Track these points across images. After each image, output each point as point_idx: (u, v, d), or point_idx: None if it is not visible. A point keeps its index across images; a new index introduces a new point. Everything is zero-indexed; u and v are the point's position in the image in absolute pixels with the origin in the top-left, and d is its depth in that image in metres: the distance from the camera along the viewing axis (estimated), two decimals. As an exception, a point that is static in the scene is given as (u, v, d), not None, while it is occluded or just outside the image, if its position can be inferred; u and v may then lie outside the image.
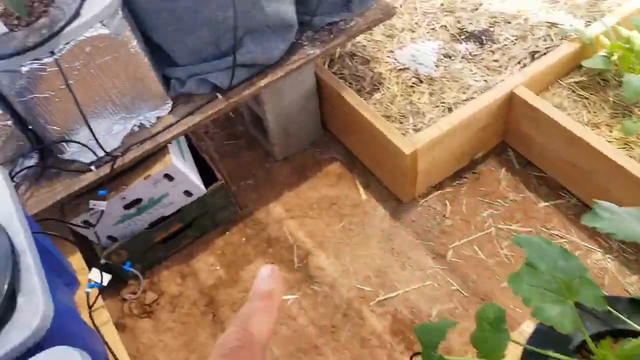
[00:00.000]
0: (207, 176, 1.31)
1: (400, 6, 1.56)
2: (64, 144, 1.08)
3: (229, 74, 1.14)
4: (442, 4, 1.56)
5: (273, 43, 1.15)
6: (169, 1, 0.98)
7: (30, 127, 1.07)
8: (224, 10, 1.02)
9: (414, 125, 1.27)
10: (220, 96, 1.16)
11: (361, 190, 1.40)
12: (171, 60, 1.14)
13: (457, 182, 1.38)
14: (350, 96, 1.30)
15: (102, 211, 1.13)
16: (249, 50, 1.12)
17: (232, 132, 1.61)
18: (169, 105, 1.16)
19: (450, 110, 1.29)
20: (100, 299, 1.06)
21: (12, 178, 1.08)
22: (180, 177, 1.19)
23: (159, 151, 1.16)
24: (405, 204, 1.35)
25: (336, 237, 1.32)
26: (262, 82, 1.18)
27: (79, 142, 1.08)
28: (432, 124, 1.26)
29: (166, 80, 1.17)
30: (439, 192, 1.37)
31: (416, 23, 1.51)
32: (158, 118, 1.15)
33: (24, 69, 0.91)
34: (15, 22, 0.92)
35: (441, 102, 1.31)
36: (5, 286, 0.65)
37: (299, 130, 1.47)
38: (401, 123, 1.29)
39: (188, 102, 1.17)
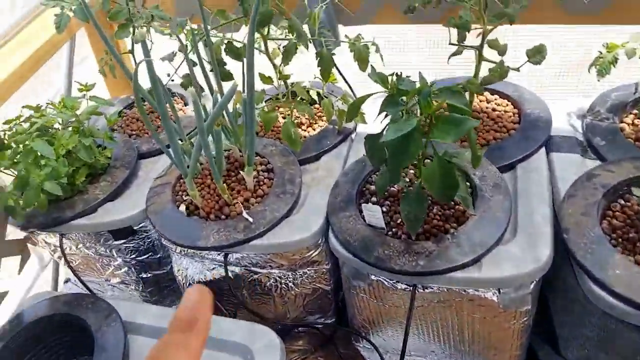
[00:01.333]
0: None
1: None
2: (360, 338, 0.85)
3: None
4: None
5: None
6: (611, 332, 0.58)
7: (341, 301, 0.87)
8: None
9: None
10: None
11: None
12: (555, 344, 0.75)
13: None
14: None
15: None
16: None
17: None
18: (508, 385, 0.78)
19: None
20: None
21: (297, 328, 0.92)
22: None
23: None
24: None
25: None
26: None
27: (376, 348, 0.82)
28: None
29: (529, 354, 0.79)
30: None
31: None
32: (483, 387, 0.79)
33: (373, 277, 0.68)
34: (403, 235, 0.68)
35: None
36: None
37: None
38: None
39: (537, 403, 0.76)
